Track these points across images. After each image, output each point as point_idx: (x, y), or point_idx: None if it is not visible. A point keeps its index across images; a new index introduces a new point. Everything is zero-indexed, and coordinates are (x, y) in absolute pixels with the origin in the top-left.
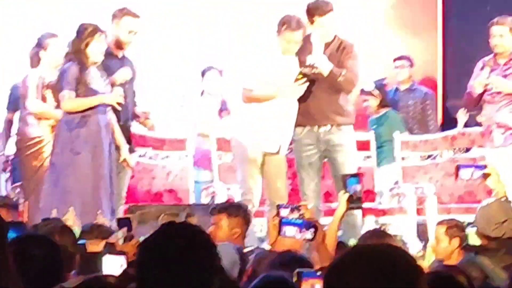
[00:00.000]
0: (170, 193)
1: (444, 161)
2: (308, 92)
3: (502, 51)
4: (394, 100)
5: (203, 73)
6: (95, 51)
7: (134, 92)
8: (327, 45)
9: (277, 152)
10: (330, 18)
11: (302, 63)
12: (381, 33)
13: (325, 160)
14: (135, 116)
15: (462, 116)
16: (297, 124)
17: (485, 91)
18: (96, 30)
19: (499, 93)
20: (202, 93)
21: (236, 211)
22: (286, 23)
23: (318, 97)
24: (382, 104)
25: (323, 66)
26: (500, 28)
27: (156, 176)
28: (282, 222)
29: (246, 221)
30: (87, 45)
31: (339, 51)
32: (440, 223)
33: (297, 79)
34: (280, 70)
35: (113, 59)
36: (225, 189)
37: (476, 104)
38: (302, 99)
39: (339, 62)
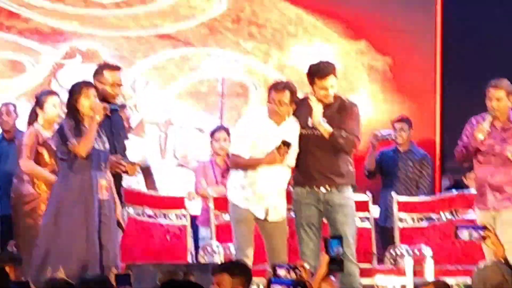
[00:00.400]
0: (168, 251)
1: (442, 222)
2: (308, 152)
3: (498, 114)
4: (393, 160)
5: (212, 134)
6: (85, 105)
7: (125, 145)
8: (328, 106)
9: (265, 219)
10: (331, 80)
11: (301, 125)
12: (379, 94)
13: (325, 220)
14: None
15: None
16: (297, 184)
17: (477, 151)
18: (83, 86)
19: (494, 154)
20: (211, 154)
21: (239, 270)
22: (273, 86)
23: (318, 157)
24: None
25: (323, 129)
26: (498, 91)
27: (154, 235)
28: (271, 281)
29: (248, 280)
30: (76, 101)
31: (340, 111)
32: (425, 285)
33: (278, 150)
34: (269, 136)
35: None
36: (222, 249)
37: (471, 159)
38: (302, 159)
39: (340, 122)
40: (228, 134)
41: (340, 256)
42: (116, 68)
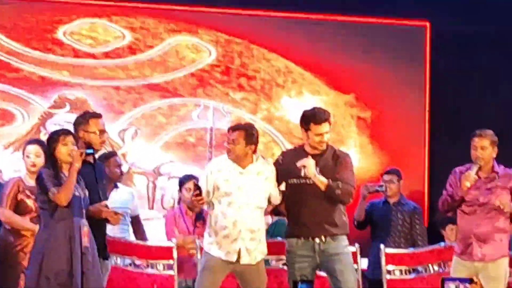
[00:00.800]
0: None
1: (430, 274)
2: (301, 202)
3: (483, 164)
4: (383, 212)
5: (181, 182)
6: (63, 153)
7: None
8: (320, 155)
9: (237, 261)
10: (326, 127)
11: (294, 175)
12: (368, 146)
13: (321, 272)
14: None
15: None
16: (291, 235)
17: (462, 201)
18: (61, 134)
19: (480, 205)
20: (179, 202)
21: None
22: (229, 127)
23: (312, 207)
24: None
25: (319, 181)
26: (482, 140)
27: (141, 285)
28: None
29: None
30: (55, 149)
31: (333, 161)
32: None
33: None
34: (232, 179)
35: (84, 164)
36: None
37: (455, 208)
38: (295, 209)
39: (334, 172)
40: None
41: None
42: (100, 116)
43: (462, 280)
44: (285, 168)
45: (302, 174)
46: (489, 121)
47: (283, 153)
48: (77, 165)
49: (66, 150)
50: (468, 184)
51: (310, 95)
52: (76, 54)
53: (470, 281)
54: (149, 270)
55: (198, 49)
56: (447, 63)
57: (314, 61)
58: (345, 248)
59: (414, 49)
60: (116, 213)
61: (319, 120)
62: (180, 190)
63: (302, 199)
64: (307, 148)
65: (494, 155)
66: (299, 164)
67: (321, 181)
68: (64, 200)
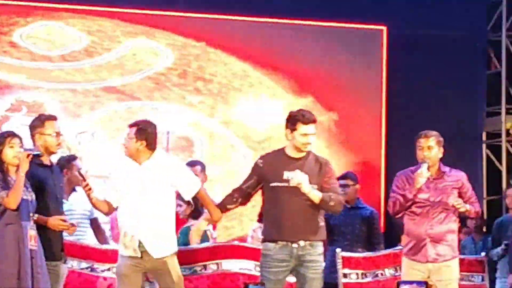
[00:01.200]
0: None
1: (386, 278)
2: (281, 206)
3: (431, 164)
4: (340, 216)
5: None
6: (9, 155)
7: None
8: (304, 158)
9: (142, 257)
10: (313, 128)
11: (274, 178)
12: (325, 149)
13: (290, 277)
14: None
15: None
16: (269, 239)
17: (414, 203)
18: (7, 136)
19: (432, 205)
20: None
21: None
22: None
23: (292, 212)
24: None
25: (313, 195)
26: (428, 140)
27: None
28: None
29: None
30: (0, 152)
31: (317, 167)
32: None
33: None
34: (131, 176)
35: (41, 167)
36: None
37: (405, 209)
38: (274, 213)
39: (319, 179)
40: None
41: None
42: (55, 118)
43: (418, 283)
44: (266, 171)
45: (285, 177)
46: (443, 122)
47: (262, 157)
48: (25, 166)
49: (12, 153)
50: (422, 181)
51: (267, 99)
52: (33, 57)
53: (426, 284)
54: (106, 274)
55: (155, 52)
56: (403, 66)
57: (271, 64)
58: (320, 256)
59: (371, 52)
60: (72, 225)
61: (307, 120)
62: None
63: (283, 203)
64: (289, 151)
65: (441, 155)
66: (289, 176)
67: (316, 195)
68: (13, 203)
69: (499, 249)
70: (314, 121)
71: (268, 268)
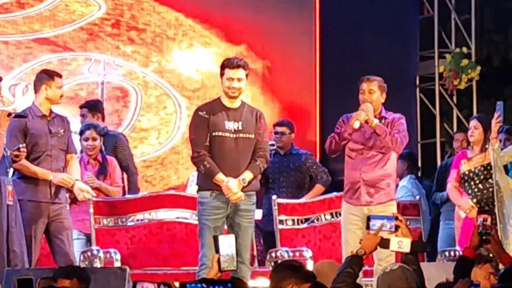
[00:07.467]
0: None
1: (322, 224)
2: (220, 156)
3: (374, 106)
4: (275, 164)
5: (81, 132)
6: None
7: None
8: (241, 108)
9: None
10: (240, 73)
11: (218, 127)
12: (260, 97)
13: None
14: None
15: None
16: (204, 188)
17: (350, 143)
18: None
19: (368, 149)
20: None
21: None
22: None
23: (232, 161)
24: None
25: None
26: (370, 84)
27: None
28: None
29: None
30: None
31: (253, 118)
32: None
33: None
34: None
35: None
36: (102, 254)
37: (340, 148)
38: (214, 162)
39: (256, 131)
40: (97, 132)
41: None
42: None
43: (388, 218)
44: (210, 120)
45: (226, 126)
46: (376, 67)
47: (201, 108)
48: (4, 124)
49: None
50: (357, 123)
51: (201, 47)
52: None
53: (396, 218)
54: None
55: (88, 2)
56: (336, 11)
57: (204, 13)
58: (253, 205)
59: None
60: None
61: (232, 64)
62: (80, 139)
63: (223, 152)
64: (224, 100)
65: (383, 101)
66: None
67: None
68: None
69: (444, 193)
70: (240, 66)
71: (206, 216)
